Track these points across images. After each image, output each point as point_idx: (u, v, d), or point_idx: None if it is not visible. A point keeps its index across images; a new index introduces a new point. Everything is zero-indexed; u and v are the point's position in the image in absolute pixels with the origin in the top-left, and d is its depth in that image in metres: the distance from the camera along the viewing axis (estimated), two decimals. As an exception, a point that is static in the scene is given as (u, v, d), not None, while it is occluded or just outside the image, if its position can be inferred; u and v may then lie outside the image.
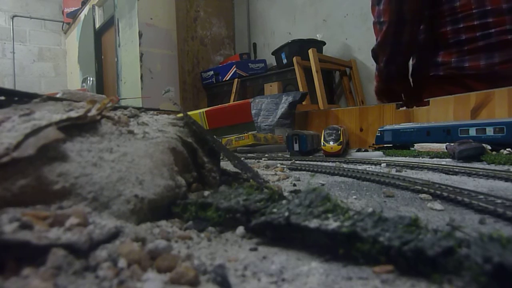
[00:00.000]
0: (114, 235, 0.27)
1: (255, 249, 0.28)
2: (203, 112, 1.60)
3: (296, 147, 1.11)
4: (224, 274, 0.23)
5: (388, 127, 1.16)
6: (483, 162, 0.79)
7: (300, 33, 2.61)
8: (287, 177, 0.66)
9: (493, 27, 0.98)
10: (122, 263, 0.23)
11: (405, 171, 0.71)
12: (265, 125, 1.64)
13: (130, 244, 0.26)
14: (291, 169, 0.80)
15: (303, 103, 1.83)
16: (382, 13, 1.08)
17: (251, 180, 0.45)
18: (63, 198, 0.29)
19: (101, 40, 3.66)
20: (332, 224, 0.26)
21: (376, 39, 1.16)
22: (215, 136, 0.50)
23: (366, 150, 1.28)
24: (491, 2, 0.98)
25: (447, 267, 0.22)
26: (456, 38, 1.04)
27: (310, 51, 2.21)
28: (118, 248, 0.25)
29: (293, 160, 0.94)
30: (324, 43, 2.42)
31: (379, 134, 1.16)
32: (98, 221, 0.28)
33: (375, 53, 1.20)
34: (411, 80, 1.24)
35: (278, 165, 0.86)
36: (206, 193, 0.40)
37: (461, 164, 0.75)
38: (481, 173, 0.61)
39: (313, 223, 0.27)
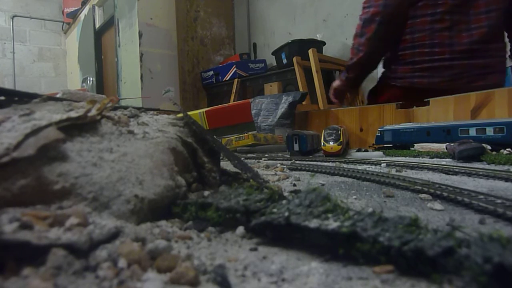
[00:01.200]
0: (114, 235, 0.27)
1: (255, 249, 0.28)
2: (203, 112, 1.60)
3: (296, 147, 1.11)
4: (224, 274, 0.23)
5: (388, 127, 1.16)
6: (483, 162, 0.79)
7: (300, 33, 2.61)
8: (287, 177, 0.66)
9: (437, 54, 1.33)
10: (122, 263, 0.23)
11: (405, 171, 0.71)
12: (265, 125, 1.64)
13: (130, 244, 0.26)
14: (291, 169, 0.80)
15: (303, 103, 1.83)
16: (362, 44, 1.42)
17: (251, 180, 0.45)
18: (63, 198, 0.29)
19: (101, 40, 3.66)
20: (332, 224, 0.26)
21: (351, 58, 1.49)
22: (215, 136, 0.50)
23: (366, 150, 1.28)
24: (438, 37, 1.32)
25: (447, 267, 0.22)
26: (412, 59, 1.38)
27: (310, 51, 2.21)
28: (118, 248, 0.25)
29: (293, 160, 0.94)
30: (324, 43, 2.42)
31: (379, 134, 1.16)
32: (98, 221, 0.28)
33: (349, 68, 1.53)
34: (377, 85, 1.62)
35: (278, 165, 0.86)
36: (206, 193, 0.40)
37: (461, 164, 0.75)
38: (481, 173, 0.61)
39: (313, 223, 0.27)
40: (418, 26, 1.35)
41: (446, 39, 1.31)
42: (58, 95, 0.53)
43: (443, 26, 1.31)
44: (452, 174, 0.65)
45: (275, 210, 0.30)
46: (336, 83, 1.61)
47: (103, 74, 3.66)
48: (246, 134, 1.39)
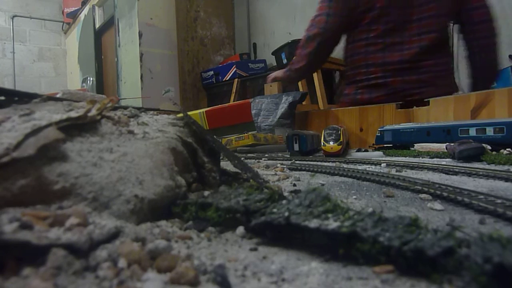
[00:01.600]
0: (114, 235, 0.27)
1: (255, 249, 0.28)
2: (203, 112, 1.60)
3: (296, 147, 1.11)
4: (224, 274, 0.23)
5: (388, 127, 1.16)
6: (483, 162, 0.79)
7: (300, 33, 2.59)
8: (287, 177, 0.66)
9: (371, 74, 1.52)
10: (122, 263, 0.23)
11: (405, 171, 0.71)
12: (265, 125, 1.64)
13: (130, 244, 0.26)
14: (291, 169, 0.80)
15: (303, 103, 1.83)
16: (303, 56, 1.63)
17: (251, 180, 0.45)
18: (63, 198, 0.29)
19: (101, 40, 3.66)
20: (332, 224, 0.26)
21: (293, 64, 1.71)
22: (215, 136, 0.50)
23: (366, 150, 1.28)
24: (372, 58, 1.51)
25: (447, 267, 0.22)
26: (353, 78, 1.59)
27: (310, 51, 2.20)
28: (118, 248, 0.25)
29: (293, 160, 0.94)
30: (324, 43, 2.41)
31: (379, 134, 1.16)
32: (98, 221, 0.28)
33: (289, 70, 1.74)
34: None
35: (278, 165, 0.86)
36: (206, 193, 0.40)
37: (461, 164, 0.75)
38: (481, 173, 0.61)
39: (313, 223, 0.27)
40: (356, 49, 1.56)
41: (379, 60, 1.50)
42: (58, 95, 0.53)
43: (376, 48, 1.50)
44: (452, 174, 0.65)
45: (275, 210, 0.30)
46: (277, 73, 1.82)
47: (103, 74, 3.66)
48: (246, 134, 1.39)
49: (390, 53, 1.47)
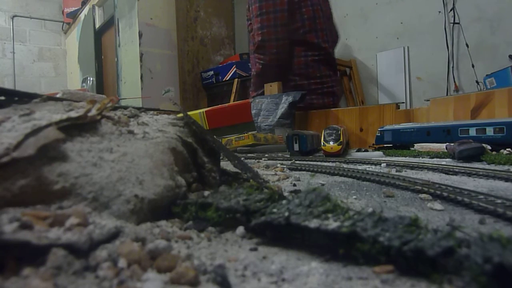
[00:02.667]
0: (114, 235, 0.27)
1: (255, 249, 0.28)
2: (203, 112, 1.60)
3: (296, 147, 1.11)
4: (224, 274, 0.23)
5: (388, 127, 1.16)
6: (483, 162, 0.79)
7: (300, 33, 2.60)
8: (287, 177, 0.66)
9: (324, 84, 1.86)
10: (122, 263, 0.23)
11: (405, 171, 0.71)
12: (265, 125, 1.64)
13: (130, 244, 0.26)
14: (291, 169, 0.80)
15: (303, 103, 1.83)
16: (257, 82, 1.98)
17: (251, 180, 0.45)
18: (63, 198, 0.29)
19: (101, 40, 3.66)
20: (332, 224, 0.26)
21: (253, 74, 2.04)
22: (215, 136, 0.50)
23: (366, 150, 1.28)
24: (324, 70, 1.86)
25: (447, 267, 0.22)
26: (308, 87, 1.86)
27: (310, 51, 2.20)
28: (118, 248, 0.25)
29: (293, 160, 0.94)
30: (324, 43, 2.41)
31: (379, 134, 1.16)
32: (98, 221, 0.28)
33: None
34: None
35: (278, 165, 0.86)
36: (206, 193, 0.40)
37: (461, 164, 0.75)
38: (481, 173, 0.61)
39: (313, 223, 0.27)
40: (309, 63, 1.85)
41: (327, 71, 1.87)
42: (58, 95, 0.53)
43: (325, 63, 1.85)
44: (452, 174, 0.65)
45: (275, 210, 0.30)
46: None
47: (103, 74, 3.66)
48: (246, 134, 1.39)
49: (332, 67, 1.89)
